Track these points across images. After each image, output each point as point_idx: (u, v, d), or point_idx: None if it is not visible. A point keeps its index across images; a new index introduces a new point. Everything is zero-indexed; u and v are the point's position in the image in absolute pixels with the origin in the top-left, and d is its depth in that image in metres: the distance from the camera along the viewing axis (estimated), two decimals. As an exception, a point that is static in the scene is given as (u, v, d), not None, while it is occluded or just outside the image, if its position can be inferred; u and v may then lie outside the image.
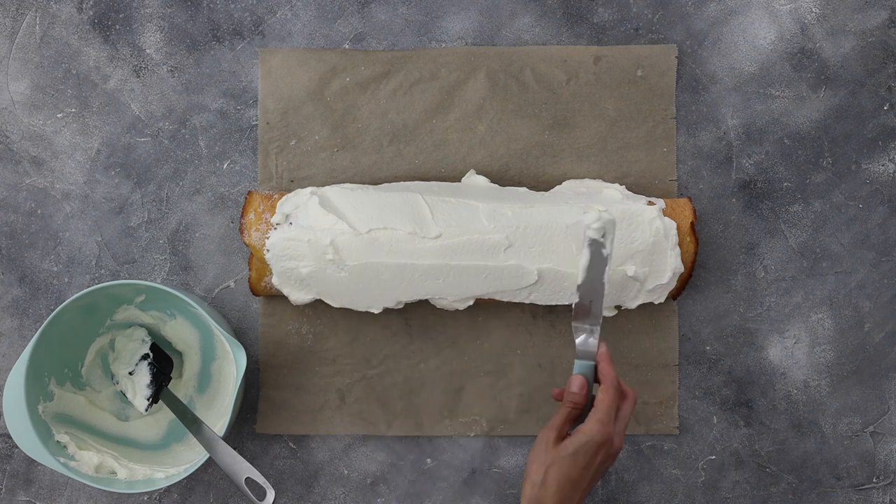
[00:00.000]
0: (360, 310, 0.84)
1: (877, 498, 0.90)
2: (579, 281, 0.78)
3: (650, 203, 0.84)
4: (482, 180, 0.87)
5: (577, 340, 0.77)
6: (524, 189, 0.86)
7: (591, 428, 0.71)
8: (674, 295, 0.86)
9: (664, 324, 0.89)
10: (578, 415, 0.75)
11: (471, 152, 0.89)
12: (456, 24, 0.90)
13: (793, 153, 0.90)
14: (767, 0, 0.90)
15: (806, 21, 0.90)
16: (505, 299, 0.84)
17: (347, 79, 0.89)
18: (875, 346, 0.90)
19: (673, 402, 0.89)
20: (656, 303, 0.86)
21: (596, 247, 0.78)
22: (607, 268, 0.77)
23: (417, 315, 0.89)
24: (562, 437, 0.73)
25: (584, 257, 0.78)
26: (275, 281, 0.83)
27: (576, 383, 0.75)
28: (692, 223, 0.84)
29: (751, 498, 0.90)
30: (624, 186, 0.87)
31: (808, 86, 0.90)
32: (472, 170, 0.89)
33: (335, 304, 0.83)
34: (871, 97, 0.90)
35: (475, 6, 0.90)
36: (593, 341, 0.76)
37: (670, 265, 0.83)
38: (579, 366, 0.76)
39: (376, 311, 0.84)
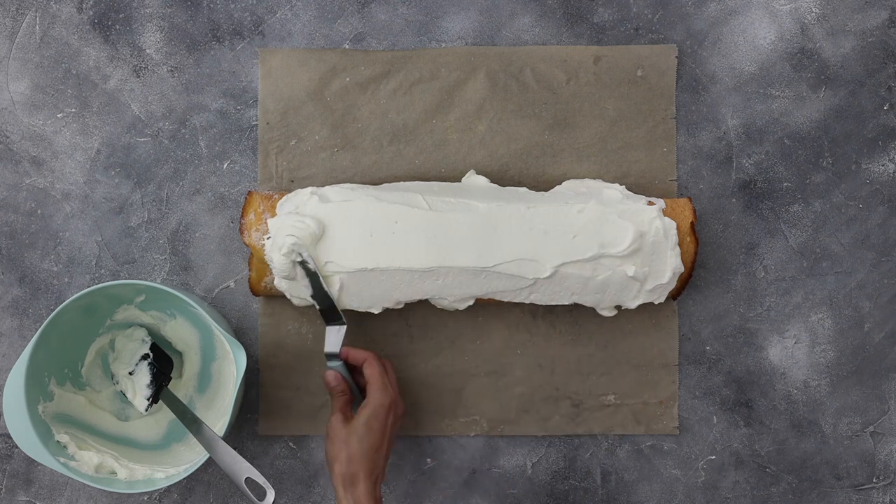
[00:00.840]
0: (360, 310, 0.84)
1: (877, 498, 0.90)
2: (310, 293, 0.82)
3: (650, 203, 0.84)
4: (482, 180, 0.87)
5: (327, 341, 0.83)
6: (524, 189, 0.86)
7: (374, 397, 0.79)
8: (674, 295, 0.86)
9: (664, 324, 0.89)
10: (351, 400, 0.82)
11: (471, 152, 0.89)
12: (456, 24, 0.90)
13: (793, 153, 0.90)
14: (767, 0, 0.90)
15: (806, 21, 0.90)
16: (505, 299, 0.84)
17: (347, 79, 0.89)
18: (875, 346, 0.90)
19: (673, 402, 0.89)
20: (656, 303, 0.86)
21: (303, 266, 0.81)
22: (320, 276, 0.81)
23: (417, 315, 0.89)
24: (349, 418, 0.79)
25: (300, 279, 0.82)
26: (277, 282, 0.83)
27: (329, 378, 0.82)
28: (692, 223, 0.84)
29: (751, 498, 0.90)
30: (624, 186, 0.87)
31: (808, 86, 0.90)
32: (472, 170, 0.89)
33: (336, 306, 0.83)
34: (871, 97, 0.90)
35: (475, 6, 0.90)
36: (338, 340, 0.82)
37: (670, 265, 0.83)
38: (332, 366, 0.83)
39: (376, 312, 0.84)
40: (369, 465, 0.76)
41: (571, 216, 0.82)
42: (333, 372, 0.82)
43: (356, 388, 0.84)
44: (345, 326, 0.83)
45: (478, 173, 0.89)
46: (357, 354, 0.83)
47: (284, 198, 0.84)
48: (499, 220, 0.82)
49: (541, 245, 0.81)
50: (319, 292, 0.82)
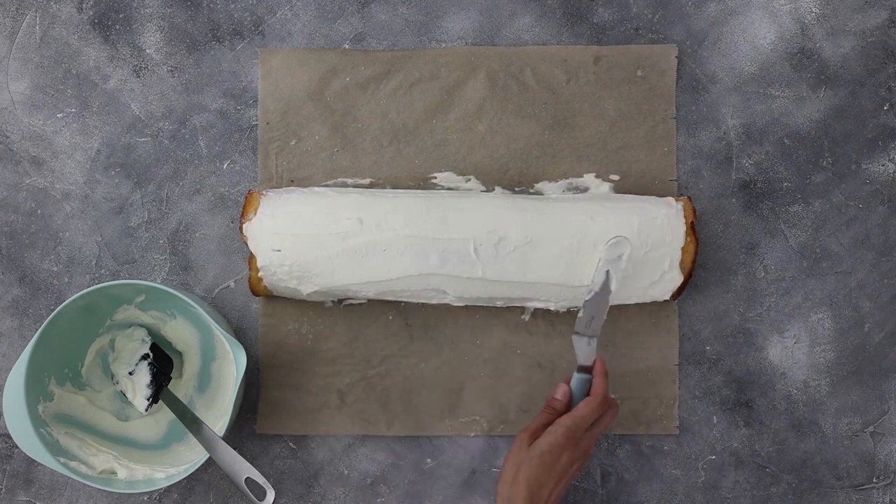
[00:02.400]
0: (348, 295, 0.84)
1: (877, 498, 0.90)
2: (588, 297, 0.80)
3: (676, 200, 0.85)
4: (479, 187, 0.88)
5: (577, 352, 0.80)
6: (522, 197, 0.86)
7: (556, 430, 0.75)
8: (674, 295, 0.86)
9: (664, 324, 0.89)
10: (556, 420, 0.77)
11: (471, 152, 0.89)
12: (456, 24, 0.90)
13: (793, 153, 0.90)
14: (767, 0, 0.90)
15: (806, 21, 0.90)
16: (504, 304, 0.85)
17: (347, 79, 0.89)
18: (875, 346, 0.90)
19: (673, 402, 0.89)
20: (657, 302, 0.86)
21: (611, 266, 0.80)
22: (614, 286, 0.80)
23: (417, 315, 0.89)
24: (535, 438, 0.76)
25: (598, 276, 0.81)
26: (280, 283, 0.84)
27: (559, 390, 0.79)
28: (692, 223, 0.84)
29: (751, 498, 0.90)
30: (612, 184, 0.88)
31: (808, 86, 0.90)
32: (471, 176, 0.89)
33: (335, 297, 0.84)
34: (871, 97, 0.90)
35: (475, 6, 0.90)
36: (590, 354, 0.79)
37: (671, 265, 0.83)
38: (576, 378, 0.79)
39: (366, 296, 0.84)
40: (528, 496, 0.74)
41: (572, 225, 0.82)
42: (566, 388, 0.79)
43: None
44: (595, 339, 0.80)
45: (478, 173, 0.89)
46: (599, 385, 0.78)
47: (270, 194, 0.84)
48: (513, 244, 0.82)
49: (576, 266, 0.82)
50: None
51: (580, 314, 0.80)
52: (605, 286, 0.81)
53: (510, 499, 0.74)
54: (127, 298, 0.84)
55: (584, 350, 0.79)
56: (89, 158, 0.90)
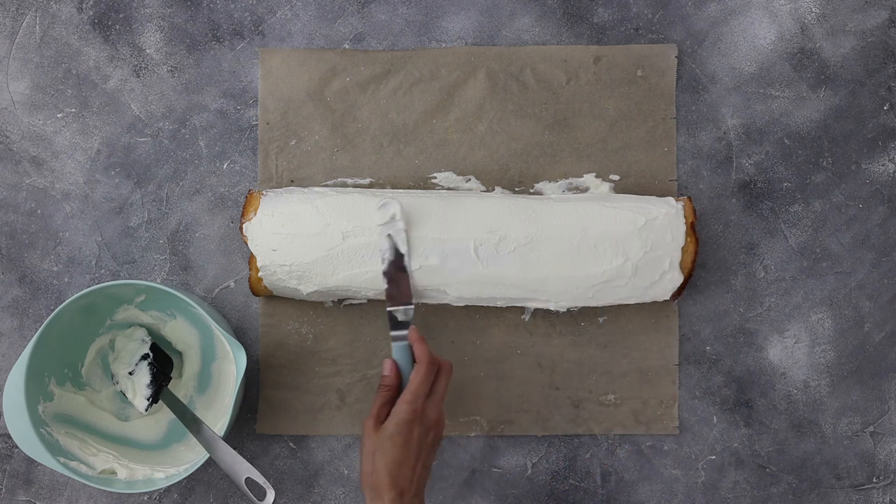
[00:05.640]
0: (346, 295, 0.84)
1: (877, 498, 0.90)
2: (384, 268, 0.81)
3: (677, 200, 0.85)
4: (479, 187, 0.88)
5: (392, 324, 0.80)
6: (522, 197, 0.86)
7: (399, 409, 0.75)
8: (674, 295, 0.86)
9: (664, 324, 0.89)
10: (394, 396, 0.78)
11: (471, 152, 0.89)
12: (456, 24, 0.90)
13: (793, 153, 0.90)
14: (767, 0, 0.90)
15: (806, 21, 0.90)
16: (504, 304, 0.85)
17: (347, 79, 0.89)
18: (875, 346, 0.90)
19: (673, 402, 0.89)
20: (657, 302, 0.86)
21: (390, 230, 0.80)
22: (404, 247, 0.80)
23: (418, 315, 0.89)
24: (381, 421, 0.76)
25: (382, 244, 0.81)
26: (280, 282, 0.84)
27: (386, 367, 0.79)
28: (692, 223, 0.84)
29: (751, 498, 0.90)
30: (612, 184, 0.88)
31: (808, 86, 0.90)
32: (471, 176, 0.89)
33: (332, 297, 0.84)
34: (871, 97, 0.90)
35: (475, 6, 0.90)
36: (407, 322, 0.80)
37: (671, 265, 0.83)
38: (395, 348, 0.80)
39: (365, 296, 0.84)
40: (391, 481, 0.73)
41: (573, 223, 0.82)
42: (391, 362, 0.79)
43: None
44: (410, 307, 0.81)
45: (478, 173, 0.89)
46: (419, 352, 0.79)
47: (270, 194, 0.84)
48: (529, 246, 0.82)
49: (579, 266, 0.82)
50: None
51: (385, 287, 0.81)
52: (395, 251, 0.80)
53: (375, 488, 0.74)
54: (127, 298, 0.84)
55: (401, 318, 0.80)
56: (89, 158, 0.90)
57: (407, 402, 0.75)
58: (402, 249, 0.80)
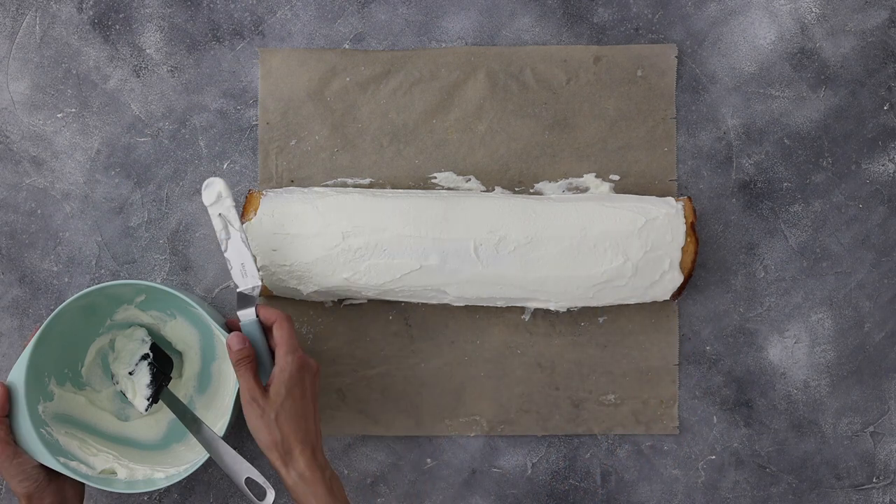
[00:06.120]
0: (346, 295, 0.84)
1: (877, 498, 0.90)
2: (224, 249, 0.80)
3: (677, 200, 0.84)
4: (479, 187, 0.88)
5: (240, 303, 0.79)
6: (522, 197, 0.86)
7: (283, 363, 0.75)
8: (674, 295, 0.86)
9: (664, 324, 0.89)
10: (256, 366, 0.77)
11: (471, 152, 0.89)
12: (456, 24, 0.90)
13: (793, 153, 0.91)
14: (767, 0, 0.90)
15: (806, 21, 0.90)
16: (504, 304, 0.85)
17: (347, 79, 0.89)
18: (875, 346, 0.90)
19: (673, 402, 0.89)
20: (657, 302, 0.86)
21: (220, 210, 0.80)
22: (237, 224, 0.80)
23: (417, 315, 0.89)
24: (263, 390, 0.75)
25: (215, 224, 0.80)
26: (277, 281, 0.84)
27: (236, 340, 0.76)
28: (692, 223, 0.84)
29: (751, 498, 0.90)
30: (612, 184, 0.88)
31: (808, 86, 0.90)
32: (471, 176, 0.89)
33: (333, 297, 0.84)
34: (871, 97, 0.90)
35: (475, 6, 0.90)
36: (253, 298, 0.79)
37: (671, 265, 0.83)
38: (244, 325, 0.79)
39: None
40: (301, 436, 0.74)
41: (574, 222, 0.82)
42: (237, 335, 0.77)
43: (267, 353, 0.80)
44: (258, 286, 0.79)
45: (478, 173, 0.89)
46: (269, 313, 0.78)
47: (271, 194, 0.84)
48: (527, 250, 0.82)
49: (580, 266, 0.82)
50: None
51: (229, 268, 0.80)
52: (229, 229, 0.80)
53: (287, 451, 0.73)
54: (127, 298, 0.84)
55: (247, 301, 0.79)
56: (89, 158, 0.90)
57: (289, 353, 0.76)
58: (237, 226, 0.80)
